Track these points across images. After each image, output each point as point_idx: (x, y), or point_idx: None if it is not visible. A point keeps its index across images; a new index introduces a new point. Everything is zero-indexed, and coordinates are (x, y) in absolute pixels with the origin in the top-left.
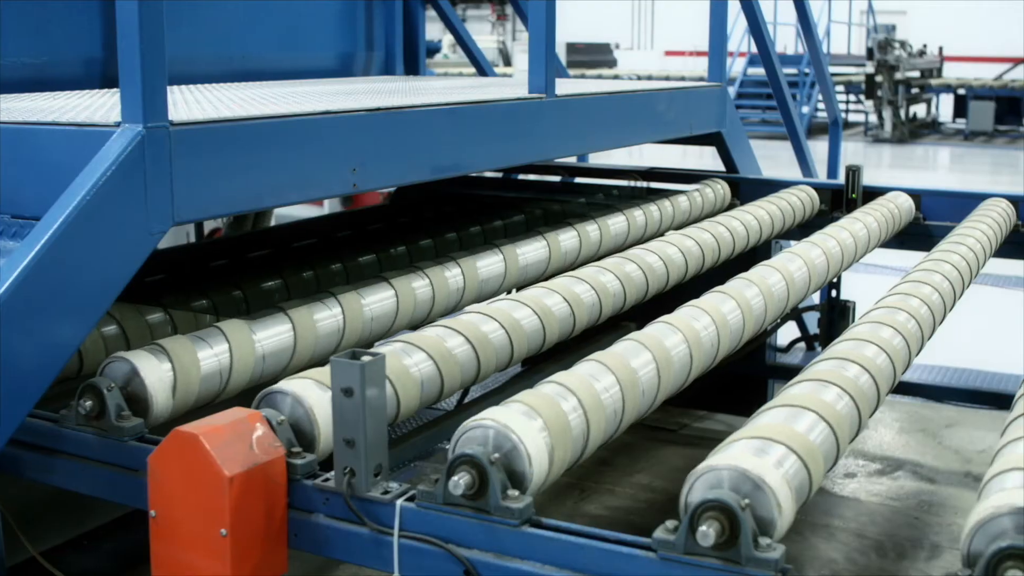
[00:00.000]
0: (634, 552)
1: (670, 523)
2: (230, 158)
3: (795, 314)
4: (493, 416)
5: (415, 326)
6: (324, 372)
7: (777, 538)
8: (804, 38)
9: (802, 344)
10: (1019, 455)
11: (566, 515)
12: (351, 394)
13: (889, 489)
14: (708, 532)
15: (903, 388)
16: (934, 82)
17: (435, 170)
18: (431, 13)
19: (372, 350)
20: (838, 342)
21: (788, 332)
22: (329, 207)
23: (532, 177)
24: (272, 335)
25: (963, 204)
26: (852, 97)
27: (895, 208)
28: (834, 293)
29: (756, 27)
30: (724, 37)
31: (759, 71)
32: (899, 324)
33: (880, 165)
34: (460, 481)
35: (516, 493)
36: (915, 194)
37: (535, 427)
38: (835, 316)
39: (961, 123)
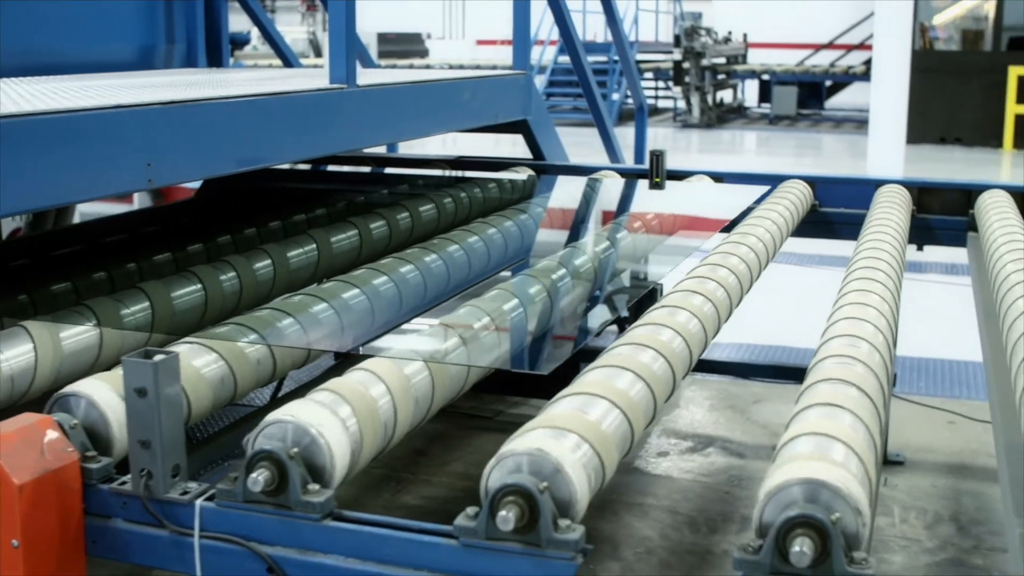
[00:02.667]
0: (436, 540)
1: (471, 510)
2: (16, 155)
3: (606, 297)
4: (292, 411)
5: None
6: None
7: (577, 519)
8: (609, 26)
9: (614, 327)
10: (809, 426)
11: (383, 507)
12: (144, 394)
13: (700, 466)
14: (508, 517)
15: (711, 367)
16: (739, 68)
17: (236, 163)
18: (237, 5)
19: (167, 348)
20: (637, 325)
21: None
22: (139, 202)
23: (346, 169)
24: (71, 336)
25: (764, 186)
26: (661, 84)
27: (699, 191)
28: (642, 275)
29: (560, 16)
30: (528, 26)
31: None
32: (697, 305)
33: (689, 149)
34: (259, 478)
35: (317, 487)
36: (717, 177)
37: (335, 420)
38: (643, 298)
39: (766, 107)
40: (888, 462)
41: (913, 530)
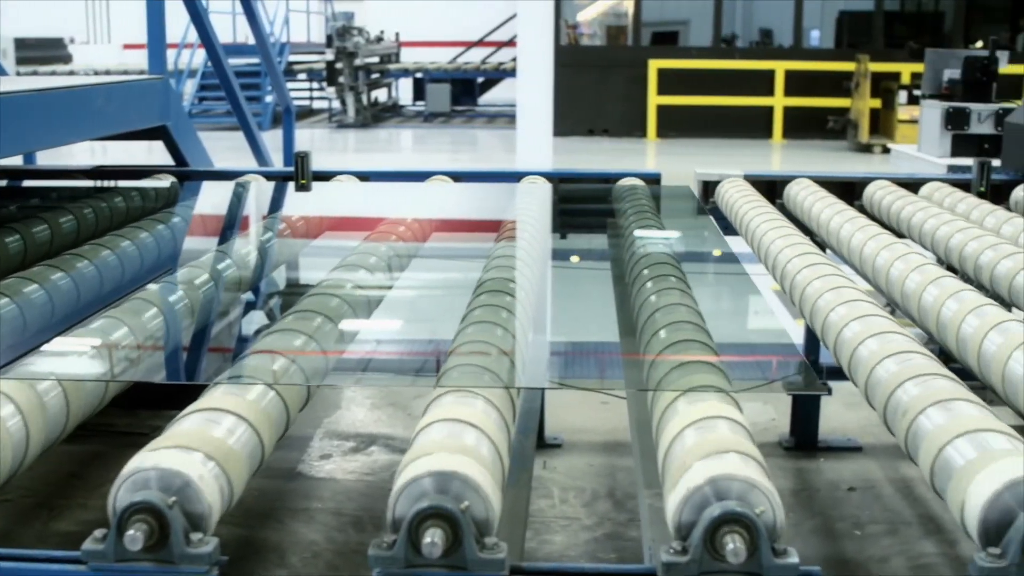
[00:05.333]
0: (64, 568)
1: (99, 532)
2: None
3: (256, 303)
4: None
5: None
6: None
7: (211, 531)
8: (251, 27)
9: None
10: (440, 417)
11: (36, 537)
12: None
13: (364, 465)
14: (136, 536)
15: (379, 366)
16: (393, 67)
17: None
18: None
19: None
20: (272, 330)
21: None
22: None
23: None
24: None
25: (410, 182)
26: (315, 84)
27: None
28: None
29: (197, 16)
30: (163, 28)
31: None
32: (335, 305)
33: (346, 150)
34: None
35: None
36: (363, 176)
37: None
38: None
39: (421, 105)
40: (547, 446)
41: (572, 509)
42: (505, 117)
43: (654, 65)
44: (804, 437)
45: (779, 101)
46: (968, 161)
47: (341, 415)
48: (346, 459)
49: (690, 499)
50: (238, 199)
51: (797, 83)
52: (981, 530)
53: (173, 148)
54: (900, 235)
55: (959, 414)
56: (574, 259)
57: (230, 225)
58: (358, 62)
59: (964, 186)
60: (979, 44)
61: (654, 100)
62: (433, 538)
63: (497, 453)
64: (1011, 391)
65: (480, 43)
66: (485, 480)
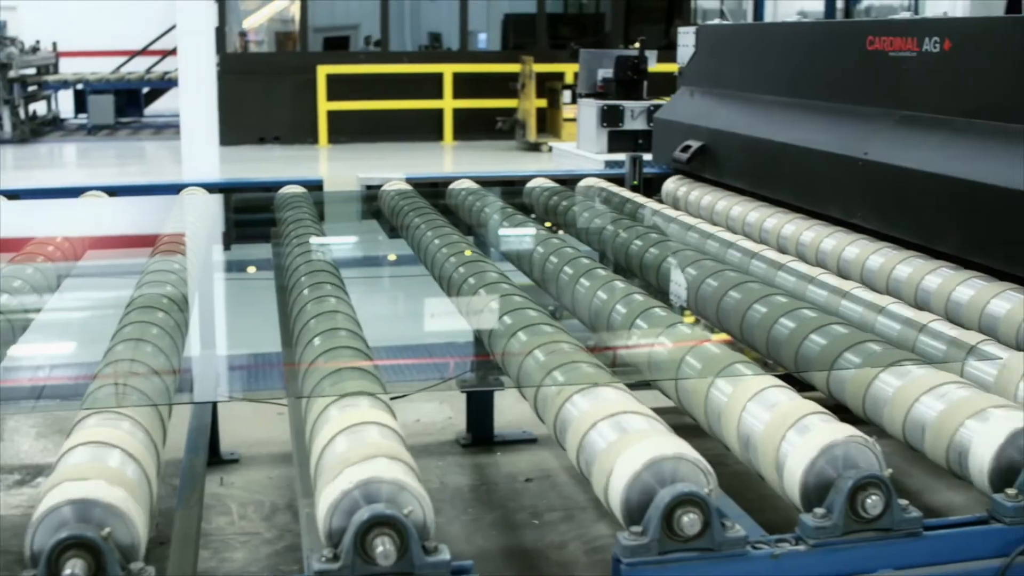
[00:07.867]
0: None
1: None
2: None
3: None
4: None
5: None
6: None
7: None
8: None
9: None
10: (80, 444)
11: None
12: None
13: (30, 498)
14: None
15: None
16: (51, 78)
17: None
18: None
19: None
20: None
21: None
22: None
23: None
24: None
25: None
26: None
27: None
28: None
29: None
30: None
31: None
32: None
33: (3, 167)
34: None
35: None
36: (11, 195)
37: None
38: None
39: (84, 118)
40: (223, 462)
41: (252, 524)
42: (173, 128)
43: (323, 71)
44: (481, 432)
45: (448, 104)
46: (623, 156)
47: (3, 447)
48: (10, 493)
49: (339, 505)
50: None
51: (466, 85)
52: (624, 510)
53: None
54: (558, 228)
55: (603, 399)
56: (251, 270)
57: None
58: (12, 74)
59: (619, 180)
60: (638, 44)
61: (324, 106)
62: (74, 569)
63: (144, 475)
64: (656, 373)
65: (144, 52)
66: (129, 505)
